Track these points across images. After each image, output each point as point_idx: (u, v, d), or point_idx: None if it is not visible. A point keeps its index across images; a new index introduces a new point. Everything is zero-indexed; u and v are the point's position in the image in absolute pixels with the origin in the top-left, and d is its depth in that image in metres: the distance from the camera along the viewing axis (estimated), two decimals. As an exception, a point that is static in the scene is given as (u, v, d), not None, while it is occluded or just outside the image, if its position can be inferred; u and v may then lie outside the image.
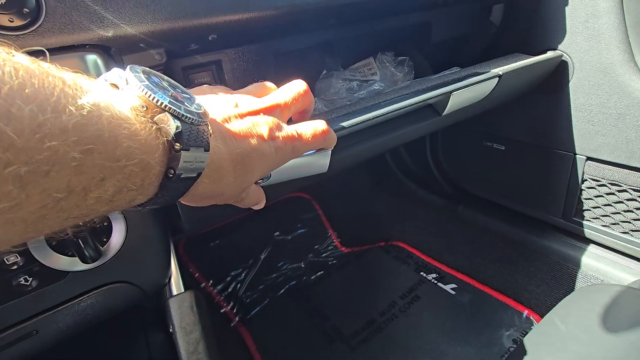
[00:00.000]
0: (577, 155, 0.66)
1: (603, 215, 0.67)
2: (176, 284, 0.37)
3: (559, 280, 0.73)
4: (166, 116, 0.20)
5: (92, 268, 0.30)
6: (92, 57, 0.30)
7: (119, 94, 0.20)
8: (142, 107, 0.20)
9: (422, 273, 0.92)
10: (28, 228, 0.16)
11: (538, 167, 0.74)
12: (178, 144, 0.20)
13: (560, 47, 0.63)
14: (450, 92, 0.49)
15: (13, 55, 0.15)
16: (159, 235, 0.36)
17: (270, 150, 0.27)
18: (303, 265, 1.00)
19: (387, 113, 0.43)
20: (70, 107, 0.16)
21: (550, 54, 0.61)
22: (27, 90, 0.14)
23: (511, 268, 0.81)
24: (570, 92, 0.63)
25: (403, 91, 0.49)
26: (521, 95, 0.67)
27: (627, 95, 0.56)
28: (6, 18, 0.25)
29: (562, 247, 0.73)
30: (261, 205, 0.33)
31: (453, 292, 0.86)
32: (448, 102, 0.50)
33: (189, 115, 0.21)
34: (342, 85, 0.65)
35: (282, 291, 0.93)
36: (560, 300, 0.58)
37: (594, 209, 0.68)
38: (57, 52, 0.28)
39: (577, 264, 0.71)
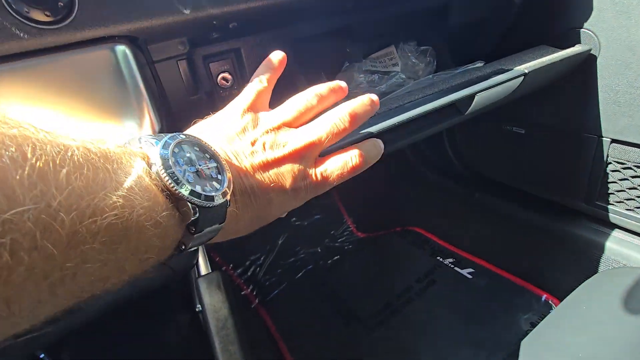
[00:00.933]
0: (601, 138, 0.64)
1: (627, 199, 0.65)
2: (204, 265, 0.39)
3: (580, 265, 0.72)
4: (187, 206, 0.21)
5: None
6: (121, 48, 0.31)
7: (146, 169, 0.20)
8: (162, 192, 0.20)
9: (438, 258, 0.93)
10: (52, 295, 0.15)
11: (559, 151, 0.72)
12: (193, 228, 0.21)
13: (586, 24, 0.60)
14: (475, 93, 0.48)
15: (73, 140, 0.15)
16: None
17: (290, 199, 0.28)
18: (319, 250, 1.01)
19: (411, 118, 0.43)
20: (106, 208, 0.15)
21: (577, 47, 0.59)
22: (76, 193, 0.14)
23: (530, 252, 0.81)
24: (597, 72, 0.61)
25: (426, 91, 0.49)
26: (546, 86, 0.66)
27: (658, 74, 0.53)
28: (42, 13, 0.27)
29: (584, 231, 0.72)
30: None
31: (470, 277, 0.86)
32: (472, 103, 0.50)
33: (208, 204, 0.22)
34: (363, 78, 0.65)
35: (299, 275, 0.95)
36: (579, 284, 0.58)
37: (618, 193, 0.66)
38: (88, 44, 0.29)
39: (599, 249, 0.70)
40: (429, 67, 0.69)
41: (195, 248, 0.24)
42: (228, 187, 0.23)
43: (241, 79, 0.50)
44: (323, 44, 0.62)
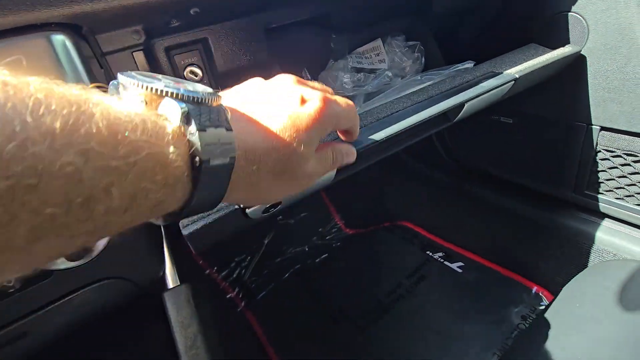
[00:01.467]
0: (590, 126, 0.63)
1: (617, 188, 0.64)
2: (172, 276, 0.36)
3: (570, 256, 0.71)
4: (168, 102, 0.18)
5: (79, 266, 0.29)
6: (59, 38, 0.27)
7: (114, 98, 0.18)
8: (142, 102, 0.18)
9: (428, 252, 0.91)
10: (22, 255, 0.14)
11: (548, 140, 0.70)
12: (191, 128, 0.18)
13: (574, 8, 0.58)
14: (465, 102, 0.46)
15: None
16: (149, 228, 0.35)
17: (312, 158, 0.25)
18: (307, 249, 0.99)
19: (401, 130, 0.41)
20: (53, 107, 0.14)
21: (567, 48, 0.57)
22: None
23: (519, 244, 0.80)
24: (585, 58, 0.59)
25: (415, 97, 0.46)
26: (536, 84, 0.64)
27: (648, 58, 0.51)
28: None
29: (573, 221, 0.71)
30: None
31: (460, 271, 0.85)
32: (462, 111, 0.48)
33: (191, 94, 0.19)
34: (349, 78, 0.61)
35: (287, 275, 0.92)
36: (571, 276, 0.56)
37: (608, 182, 0.65)
38: (16, 32, 0.25)
39: (588, 239, 0.68)
40: (417, 63, 0.66)
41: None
42: (215, 92, 0.20)
43: (212, 73, 0.46)
44: (302, 34, 0.58)
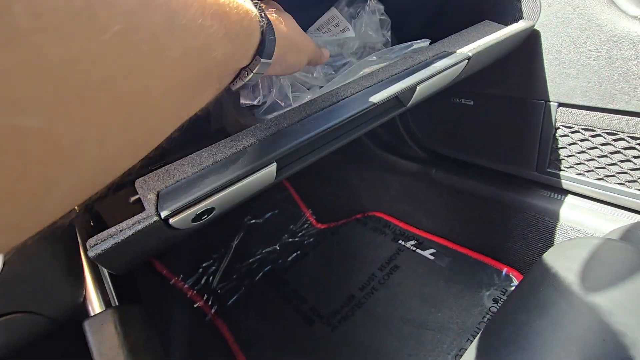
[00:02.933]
0: (548, 103, 0.62)
1: (577, 164, 0.64)
2: (97, 302, 0.31)
3: (537, 235, 0.71)
4: None
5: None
6: None
7: None
8: None
9: (400, 241, 0.89)
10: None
11: (509, 119, 0.69)
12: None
13: (525, -19, 0.56)
14: (416, 84, 0.43)
15: None
16: (60, 249, 0.30)
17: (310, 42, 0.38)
18: (278, 248, 0.95)
19: (348, 118, 0.38)
20: None
21: (521, 24, 0.55)
22: None
23: (488, 227, 0.79)
24: (539, 33, 0.57)
25: (364, 82, 0.43)
26: (492, 63, 0.62)
27: (599, 29, 0.50)
28: None
29: (538, 200, 0.70)
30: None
31: (432, 257, 0.84)
32: (413, 94, 0.45)
33: None
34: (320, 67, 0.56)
35: (257, 277, 0.88)
36: (538, 254, 0.55)
37: (568, 158, 0.64)
38: None
39: (554, 217, 0.68)
40: (384, 31, 0.61)
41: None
42: None
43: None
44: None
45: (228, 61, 0.23)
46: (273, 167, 0.34)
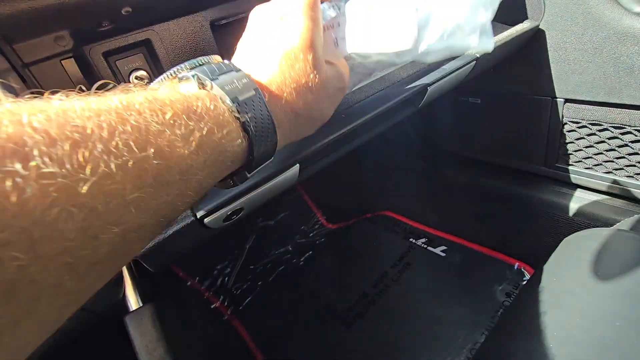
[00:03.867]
0: (555, 99, 0.63)
1: (585, 158, 0.65)
2: (133, 298, 0.33)
3: (547, 229, 0.72)
4: (183, 77, 0.22)
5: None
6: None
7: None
8: (170, 87, 0.21)
9: (411, 239, 0.91)
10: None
11: (516, 117, 0.71)
12: (207, 82, 0.21)
13: (528, -18, 0.58)
14: (427, 85, 0.45)
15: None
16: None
17: (322, 63, 0.27)
18: (291, 249, 0.97)
19: (364, 121, 0.39)
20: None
21: (526, 24, 0.57)
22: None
23: (498, 222, 0.80)
24: (544, 32, 0.59)
25: (377, 85, 0.45)
26: (498, 63, 0.64)
27: (602, 26, 0.52)
28: None
29: (548, 195, 0.72)
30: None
31: (443, 254, 0.85)
32: (425, 96, 0.47)
33: (192, 63, 0.22)
34: None
35: (271, 278, 0.90)
36: (549, 248, 0.57)
37: (576, 152, 0.66)
38: None
39: (563, 210, 0.69)
40: None
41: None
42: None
43: (159, 75, 0.43)
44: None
45: (201, 191, 0.20)
46: (296, 168, 0.36)
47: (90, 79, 0.36)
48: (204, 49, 0.44)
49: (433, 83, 0.46)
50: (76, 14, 0.28)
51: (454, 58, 0.50)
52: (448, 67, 0.48)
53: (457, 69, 0.48)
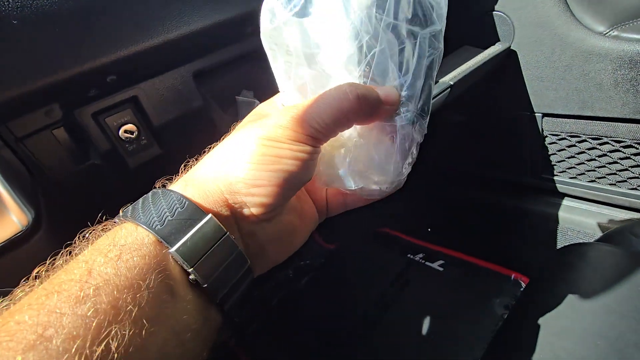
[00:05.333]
0: (533, 114, 0.65)
1: (569, 168, 0.66)
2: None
3: (540, 238, 0.73)
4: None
5: None
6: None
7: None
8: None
9: (409, 255, 0.92)
10: None
11: (499, 131, 0.73)
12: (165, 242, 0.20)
13: (497, 7, 0.60)
14: None
15: None
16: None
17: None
18: (291, 273, 0.98)
19: None
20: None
21: (497, 46, 0.60)
22: None
23: (492, 234, 0.81)
24: (516, 52, 0.61)
25: None
26: (473, 85, 0.66)
27: (569, 46, 0.54)
28: None
29: (537, 205, 0.73)
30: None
31: (441, 269, 0.86)
32: None
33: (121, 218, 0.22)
34: None
35: (273, 303, 0.91)
36: (542, 257, 0.58)
37: (559, 163, 0.67)
38: None
39: (553, 219, 0.71)
40: None
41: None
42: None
43: (148, 129, 0.45)
44: (236, 71, 0.58)
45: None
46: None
47: (80, 138, 0.38)
48: (189, 99, 0.46)
49: None
50: (64, 89, 0.30)
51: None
52: None
53: (433, 98, 0.50)
